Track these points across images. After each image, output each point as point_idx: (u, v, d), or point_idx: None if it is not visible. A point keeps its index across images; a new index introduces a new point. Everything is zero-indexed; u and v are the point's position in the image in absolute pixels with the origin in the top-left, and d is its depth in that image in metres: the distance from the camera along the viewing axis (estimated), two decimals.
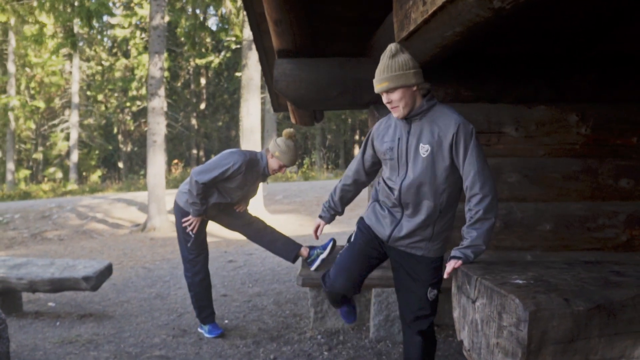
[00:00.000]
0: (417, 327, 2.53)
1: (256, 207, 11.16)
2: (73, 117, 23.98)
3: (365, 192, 3.29)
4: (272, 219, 10.79)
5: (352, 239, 2.72)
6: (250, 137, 11.61)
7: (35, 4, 12.25)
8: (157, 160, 11.04)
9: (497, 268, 2.13)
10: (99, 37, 26.49)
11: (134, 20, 22.07)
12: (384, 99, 2.38)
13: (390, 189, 2.48)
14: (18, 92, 23.28)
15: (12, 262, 4.78)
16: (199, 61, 24.22)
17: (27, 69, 23.94)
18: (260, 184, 4.01)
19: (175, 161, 24.41)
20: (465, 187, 2.31)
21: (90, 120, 26.58)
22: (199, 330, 4.01)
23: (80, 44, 24.70)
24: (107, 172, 29.92)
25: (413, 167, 2.38)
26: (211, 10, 23.17)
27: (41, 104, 23.90)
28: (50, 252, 9.22)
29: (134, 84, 23.23)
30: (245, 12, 3.77)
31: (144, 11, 20.39)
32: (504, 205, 3.42)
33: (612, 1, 2.50)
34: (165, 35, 11.91)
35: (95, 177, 26.33)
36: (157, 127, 11.05)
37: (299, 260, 4.02)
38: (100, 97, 26.25)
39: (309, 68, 3.70)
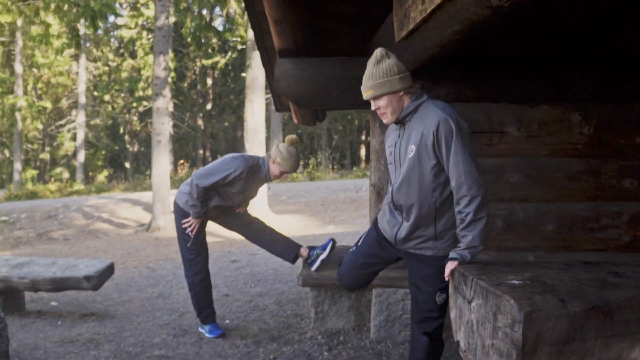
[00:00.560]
0: (424, 328, 2.52)
1: (260, 207, 11.16)
2: (80, 117, 24.11)
3: (367, 194, 3.28)
4: (276, 219, 10.78)
5: (362, 239, 2.77)
6: (255, 137, 11.61)
7: (40, 4, 12.30)
8: (161, 160, 11.05)
9: (493, 268, 2.11)
10: (105, 37, 26.62)
11: (140, 20, 22.14)
12: (372, 106, 2.37)
13: (389, 191, 2.51)
14: (25, 93, 23.41)
15: (14, 262, 4.81)
16: (205, 61, 24.23)
17: (34, 70, 24.09)
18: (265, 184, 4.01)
19: (182, 161, 24.49)
20: (452, 187, 2.27)
21: (97, 121, 26.75)
22: (200, 330, 4.01)
23: (87, 44, 24.87)
24: (114, 172, 30.07)
25: (403, 168, 2.38)
26: (217, 10, 23.25)
27: (48, 105, 24.04)
28: (55, 252, 9.26)
29: (141, 85, 23.29)
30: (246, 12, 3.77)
31: (150, 12, 20.45)
32: (506, 205, 3.40)
33: (611, 0, 2.48)
34: (172, 36, 11.93)
35: (101, 177, 26.42)
36: (162, 127, 11.06)
37: (300, 260, 4.02)
38: (107, 97, 26.39)
39: (309, 67, 3.70)
